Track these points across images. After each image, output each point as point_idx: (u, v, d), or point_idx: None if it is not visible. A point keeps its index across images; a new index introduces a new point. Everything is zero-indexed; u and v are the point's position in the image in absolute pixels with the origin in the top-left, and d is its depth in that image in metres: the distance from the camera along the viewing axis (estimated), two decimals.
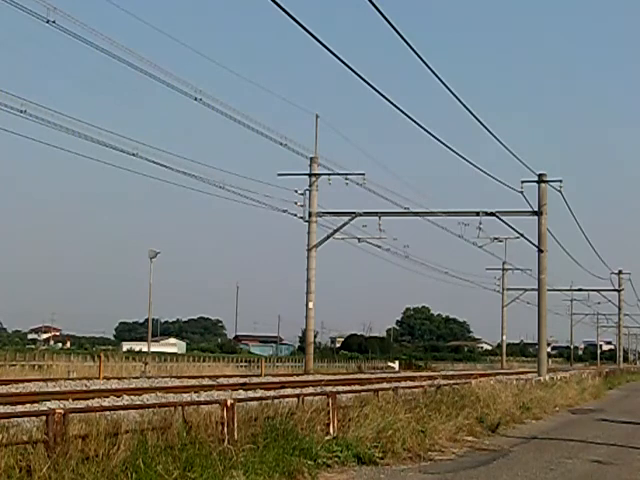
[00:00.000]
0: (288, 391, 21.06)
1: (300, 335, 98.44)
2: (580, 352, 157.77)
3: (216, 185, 36.55)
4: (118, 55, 29.27)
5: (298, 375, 40.32)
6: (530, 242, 38.10)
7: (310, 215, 43.34)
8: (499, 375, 38.08)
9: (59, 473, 8.22)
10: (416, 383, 22.60)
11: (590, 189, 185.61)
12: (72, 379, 29.24)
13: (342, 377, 36.81)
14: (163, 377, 32.98)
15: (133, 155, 31.48)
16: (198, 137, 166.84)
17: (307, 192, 43.33)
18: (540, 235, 37.27)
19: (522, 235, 39.72)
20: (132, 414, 10.71)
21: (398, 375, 44.39)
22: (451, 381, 24.86)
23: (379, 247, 45.63)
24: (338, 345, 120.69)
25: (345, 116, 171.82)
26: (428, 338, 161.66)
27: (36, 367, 42.45)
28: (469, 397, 19.58)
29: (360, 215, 42.28)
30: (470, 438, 16.22)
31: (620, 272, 78.77)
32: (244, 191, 38.27)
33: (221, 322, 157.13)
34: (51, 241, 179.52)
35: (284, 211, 42.20)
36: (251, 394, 18.83)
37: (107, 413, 10.09)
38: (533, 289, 53.80)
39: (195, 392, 21.57)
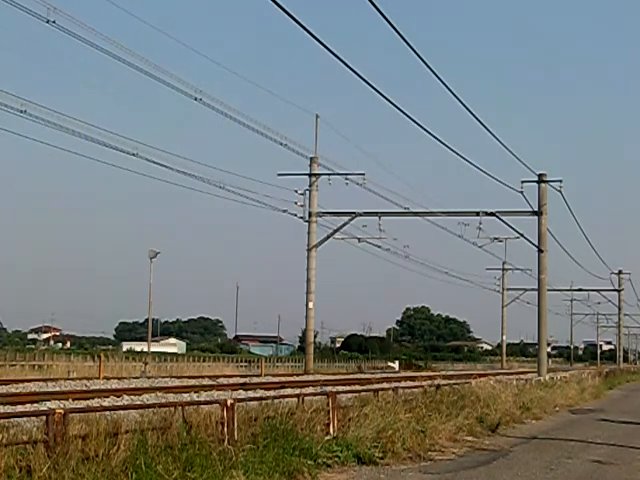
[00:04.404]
0: (288, 391, 21.05)
1: (300, 335, 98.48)
2: (580, 352, 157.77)
3: (216, 185, 36.57)
4: (118, 55, 29.30)
5: (298, 375, 40.31)
6: (530, 242, 38.11)
7: (310, 215, 43.32)
8: (499, 375, 38.05)
9: (59, 473, 8.22)
10: (416, 383, 22.59)
11: (590, 189, 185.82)
12: (72, 379, 29.23)
13: (342, 377, 36.80)
14: (163, 377, 32.97)
15: (133, 155, 31.49)
16: (198, 137, 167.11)
17: (307, 192, 43.33)
18: (540, 235, 37.26)
19: (522, 235, 39.73)
20: (132, 414, 10.71)
21: (398, 375, 44.38)
22: (451, 381, 24.85)
23: (379, 247, 45.65)
24: (338, 345, 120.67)
25: (345, 116, 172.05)
26: (428, 338, 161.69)
27: (36, 367, 42.48)
28: (469, 397, 19.58)
29: (360, 215, 42.26)
30: (470, 438, 16.22)
31: (620, 272, 78.76)
32: (244, 191, 38.29)
33: (221, 322, 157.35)
34: (51, 241, 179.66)
35: (284, 211, 42.24)
36: (251, 394, 18.82)
37: (107, 413, 10.08)
38: (533, 289, 53.83)
39: (195, 392, 21.55)
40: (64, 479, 8.23)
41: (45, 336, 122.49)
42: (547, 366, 40.27)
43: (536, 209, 37.13)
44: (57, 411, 8.74)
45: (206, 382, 28.25)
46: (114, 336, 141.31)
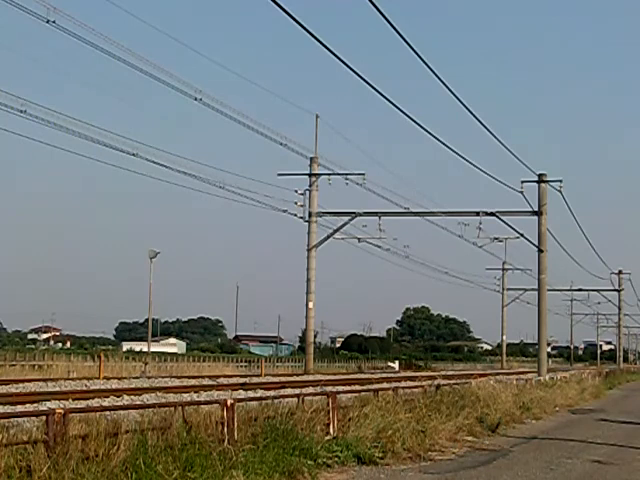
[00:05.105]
0: (288, 391, 21.05)
1: (300, 335, 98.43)
2: (580, 352, 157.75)
3: (216, 185, 36.58)
4: (118, 55, 29.31)
5: (298, 375, 40.32)
6: (530, 242, 38.11)
7: (310, 215, 43.32)
8: (499, 375, 38.07)
9: (59, 473, 8.22)
10: (416, 383, 22.59)
11: (590, 189, 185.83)
12: (72, 379, 29.23)
13: (342, 377, 36.80)
14: (163, 377, 32.96)
15: (133, 155, 31.48)
16: (198, 137, 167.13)
17: (307, 192, 43.34)
18: (540, 235, 37.26)
19: (522, 235, 39.73)
20: (132, 414, 10.72)
21: (398, 375, 44.38)
22: (451, 381, 24.86)
23: (379, 247, 45.67)
24: (338, 345, 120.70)
25: (345, 116, 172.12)
26: (428, 338, 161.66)
27: (36, 367, 42.46)
28: (469, 397, 19.57)
29: (360, 215, 42.26)
30: (470, 438, 16.21)
31: (620, 272, 78.74)
32: (244, 191, 38.29)
33: (221, 322, 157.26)
34: (51, 241, 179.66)
35: (284, 211, 42.23)
36: (251, 394, 18.83)
37: (107, 413, 10.09)
38: (533, 289, 53.89)
39: (195, 392, 21.56)
40: (64, 479, 8.23)
41: (45, 336, 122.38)
42: (547, 366, 40.26)
43: (536, 209, 37.12)
44: (57, 411, 8.74)
45: (206, 382, 28.25)
46: (114, 336, 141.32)
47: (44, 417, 8.76)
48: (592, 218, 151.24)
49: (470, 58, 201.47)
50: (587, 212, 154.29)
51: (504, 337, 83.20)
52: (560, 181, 36.98)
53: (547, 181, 36.96)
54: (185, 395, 20.01)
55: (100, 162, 34.34)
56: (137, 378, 31.84)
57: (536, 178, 36.60)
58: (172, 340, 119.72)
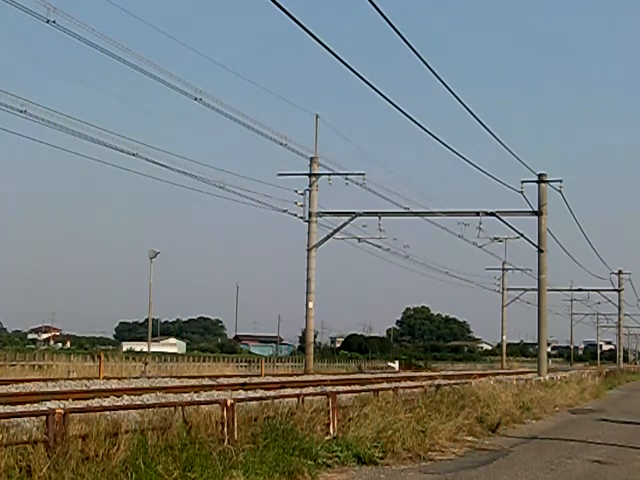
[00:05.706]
0: (288, 391, 21.05)
1: (300, 335, 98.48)
2: (580, 352, 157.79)
3: (216, 185, 36.57)
4: (118, 55, 29.32)
5: (298, 375, 40.31)
6: (530, 242, 38.11)
7: (310, 215, 43.30)
8: (499, 375, 38.07)
9: (59, 473, 8.22)
10: (416, 383, 22.59)
11: (590, 189, 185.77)
12: (72, 379, 29.21)
13: (342, 377, 36.79)
14: (163, 377, 32.95)
15: (133, 155, 31.48)
16: (198, 137, 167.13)
17: (307, 192, 43.31)
18: (540, 235, 37.26)
19: (522, 235, 39.73)
20: (132, 414, 10.71)
21: (398, 375, 44.36)
22: (451, 381, 24.86)
23: (379, 247, 45.68)
24: (338, 345, 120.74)
25: (345, 116, 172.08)
26: (428, 338, 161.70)
27: (36, 367, 42.45)
28: (469, 397, 19.56)
29: (360, 215, 42.25)
30: (470, 438, 16.21)
31: (620, 272, 78.74)
32: (244, 191, 38.29)
33: (221, 322, 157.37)
34: (51, 241, 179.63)
35: (284, 211, 42.22)
36: (251, 394, 18.82)
37: (107, 413, 10.09)
38: (533, 289, 53.88)
39: (195, 392, 21.55)
40: (64, 479, 8.23)
41: (45, 336, 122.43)
42: (547, 366, 40.26)
43: (536, 209, 37.12)
44: (57, 411, 8.74)
45: (206, 382, 28.24)
46: (114, 336, 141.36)
47: (44, 417, 8.76)
48: (592, 218, 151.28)
49: (470, 58, 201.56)
50: (587, 212, 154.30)
51: (504, 337, 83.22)
52: (560, 181, 37.04)
53: (547, 181, 36.96)
54: (185, 395, 20.00)
55: (100, 162, 34.38)
56: (137, 378, 31.83)
57: (536, 178, 36.60)
58: (172, 340, 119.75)
